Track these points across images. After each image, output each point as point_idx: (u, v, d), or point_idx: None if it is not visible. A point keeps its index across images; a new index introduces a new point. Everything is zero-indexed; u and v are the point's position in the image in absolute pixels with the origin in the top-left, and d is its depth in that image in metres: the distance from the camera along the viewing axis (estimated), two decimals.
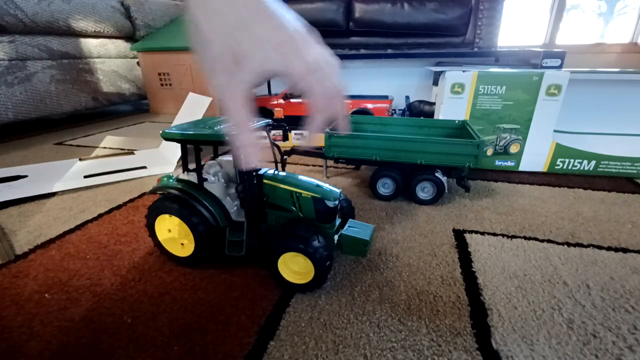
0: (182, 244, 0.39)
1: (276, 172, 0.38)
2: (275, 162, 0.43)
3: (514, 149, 0.69)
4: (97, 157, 0.81)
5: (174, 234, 0.39)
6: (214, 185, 0.38)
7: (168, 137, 0.35)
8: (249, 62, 0.22)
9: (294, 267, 0.35)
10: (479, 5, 1.59)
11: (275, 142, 0.41)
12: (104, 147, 0.90)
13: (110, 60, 1.32)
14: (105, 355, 0.28)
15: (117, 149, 0.89)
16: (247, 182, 0.35)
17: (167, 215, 0.38)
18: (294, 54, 0.22)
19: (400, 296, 0.35)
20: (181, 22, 1.44)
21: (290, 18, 0.23)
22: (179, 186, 0.37)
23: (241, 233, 0.37)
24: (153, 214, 0.39)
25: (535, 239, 0.45)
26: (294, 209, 0.36)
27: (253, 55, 0.22)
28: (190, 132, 0.34)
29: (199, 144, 0.36)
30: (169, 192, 0.37)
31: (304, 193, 0.35)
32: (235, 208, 0.38)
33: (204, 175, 0.38)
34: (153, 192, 0.39)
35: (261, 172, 0.37)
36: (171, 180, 0.39)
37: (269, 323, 0.31)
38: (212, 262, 0.40)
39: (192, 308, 0.33)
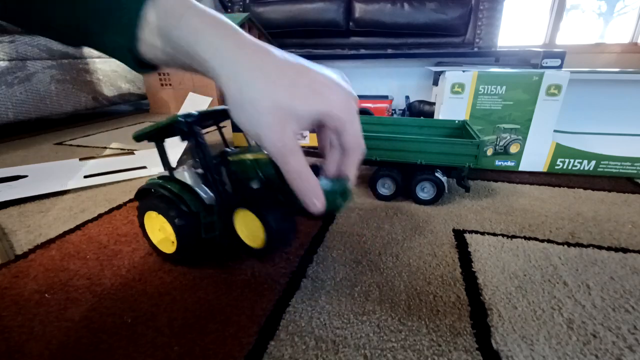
0: (172, 242, 0.39)
1: (243, 148, 0.37)
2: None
3: (514, 149, 0.69)
4: (97, 157, 0.81)
5: (163, 233, 0.39)
6: (185, 173, 0.38)
7: (139, 138, 0.36)
8: (298, 112, 0.23)
9: (252, 229, 0.33)
10: (479, 5, 1.59)
11: None
12: (105, 147, 0.90)
13: (111, 60, 1.32)
14: (105, 355, 0.28)
15: (117, 149, 0.89)
16: (206, 161, 0.34)
17: (153, 213, 0.38)
18: (333, 94, 0.24)
19: (400, 296, 0.35)
20: None
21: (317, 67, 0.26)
22: (153, 181, 0.38)
23: (213, 214, 0.37)
24: (139, 213, 0.40)
25: (535, 239, 0.45)
26: (259, 175, 0.34)
27: (300, 106, 0.23)
28: (151, 127, 0.35)
29: (162, 137, 0.37)
30: (143, 188, 0.38)
31: (261, 157, 0.33)
32: (209, 193, 0.38)
33: (181, 167, 0.39)
34: (137, 193, 0.40)
35: (228, 150, 0.37)
36: (154, 179, 0.39)
37: (269, 323, 0.31)
38: (212, 263, 0.40)
39: (192, 308, 0.33)
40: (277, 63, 0.23)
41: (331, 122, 0.25)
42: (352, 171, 0.29)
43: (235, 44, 0.23)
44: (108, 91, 1.29)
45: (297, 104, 0.23)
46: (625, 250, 0.42)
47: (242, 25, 1.38)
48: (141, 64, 0.25)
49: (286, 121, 0.23)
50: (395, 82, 1.02)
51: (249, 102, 0.23)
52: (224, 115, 0.38)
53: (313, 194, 0.25)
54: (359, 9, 1.64)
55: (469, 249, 0.43)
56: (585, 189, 0.61)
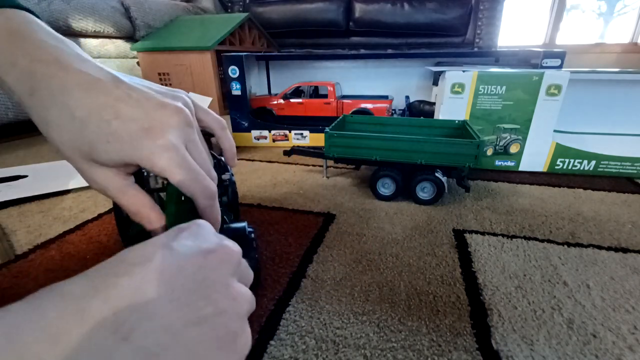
0: None
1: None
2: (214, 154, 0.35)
3: (514, 149, 0.69)
4: None
5: None
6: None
7: None
8: (102, 156, 0.19)
9: None
10: (479, 5, 1.59)
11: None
12: None
13: (110, 61, 1.32)
14: None
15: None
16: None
17: None
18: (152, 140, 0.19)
19: (400, 296, 0.35)
20: (181, 22, 1.44)
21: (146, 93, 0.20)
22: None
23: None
24: None
25: (535, 239, 0.45)
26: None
27: (104, 149, 0.19)
28: None
29: None
30: None
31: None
32: None
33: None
34: None
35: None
36: None
37: (269, 323, 0.31)
38: None
39: None
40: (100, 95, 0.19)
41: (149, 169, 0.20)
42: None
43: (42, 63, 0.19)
44: None
45: (102, 146, 0.19)
46: (625, 250, 0.42)
47: (242, 25, 1.38)
48: None
49: (92, 161, 0.20)
50: (395, 82, 1.02)
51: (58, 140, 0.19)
52: None
53: (150, 224, 0.22)
54: (359, 9, 1.64)
55: (469, 249, 0.43)
56: (585, 189, 0.61)
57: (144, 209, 0.21)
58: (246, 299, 0.17)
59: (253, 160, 0.78)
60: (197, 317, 0.15)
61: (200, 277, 0.16)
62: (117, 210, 0.33)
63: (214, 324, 0.15)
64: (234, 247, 0.18)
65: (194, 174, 0.20)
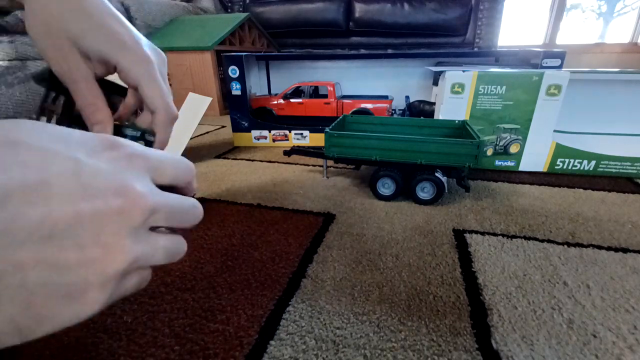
0: None
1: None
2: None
3: (514, 149, 0.69)
4: None
5: None
6: None
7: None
8: (84, 42, 0.22)
9: None
10: (479, 5, 1.59)
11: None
12: None
13: None
14: (105, 355, 0.28)
15: None
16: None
17: None
18: (124, 42, 0.23)
19: (400, 296, 0.35)
20: (181, 22, 1.44)
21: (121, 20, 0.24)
22: None
23: None
24: None
25: (535, 239, 0.45)
26: None
27: (86, 36, 0.22)
28: None
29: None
30: None
31: None
32: None
33: None
34: None
35: None
36: None
37: (269, 323, 0.31)
38: (212, 262, 0.40)
39: (192, 308, 0.33)
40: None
41: (122, 73, 0.24)
42: (160, 131, 0.26)
43: None
44: None
45: (86, 33, 0.22)
46: (625, 250, 0.42)
47: (242, 25, 1.38)
48: None
49: (74, 47, 0.22)
50: (395, 82, 1.02)
51: (42, 23, 0.22)
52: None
53: (98, 114, 0.24)
54: (359, 9, 1.64)
55: (469, 249, 0.43)
56: (585, 189, 0.61)
57: (99, 101, 0.24)
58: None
59: (253, 160, 0.78)
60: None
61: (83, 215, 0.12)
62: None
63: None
64: (148, 200, 0.14)
65: (162, 91, 0.24)
